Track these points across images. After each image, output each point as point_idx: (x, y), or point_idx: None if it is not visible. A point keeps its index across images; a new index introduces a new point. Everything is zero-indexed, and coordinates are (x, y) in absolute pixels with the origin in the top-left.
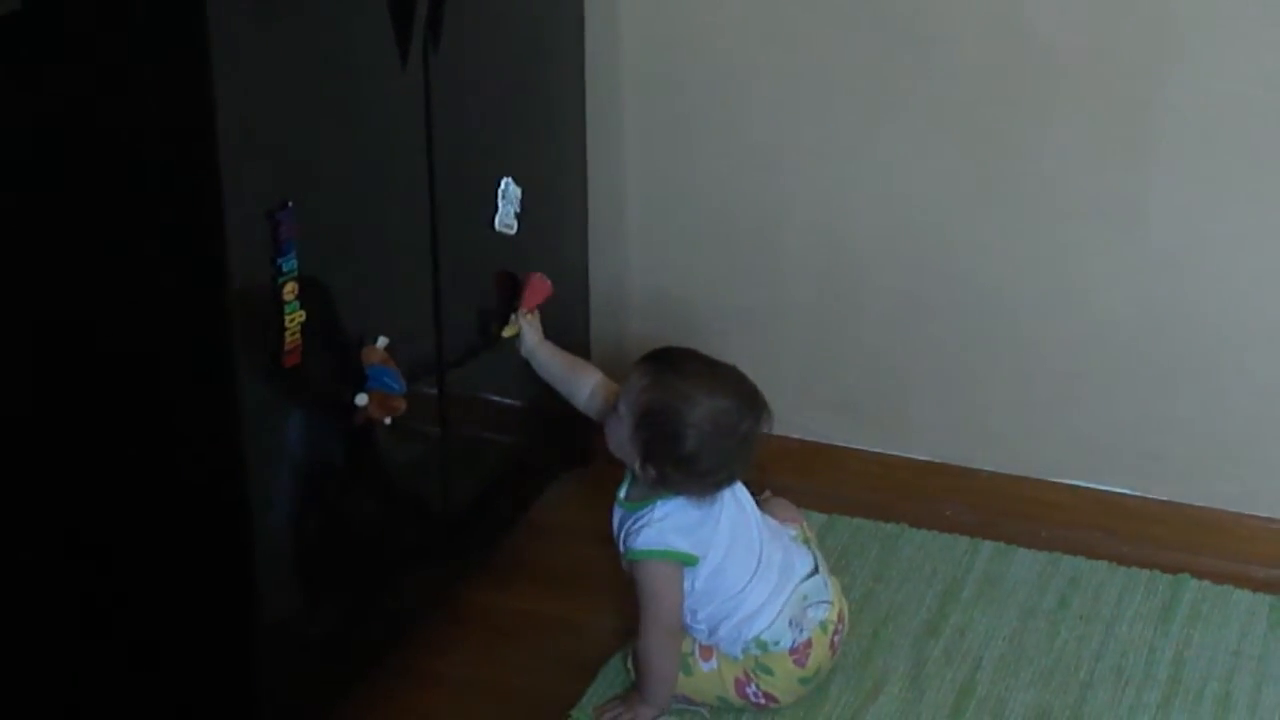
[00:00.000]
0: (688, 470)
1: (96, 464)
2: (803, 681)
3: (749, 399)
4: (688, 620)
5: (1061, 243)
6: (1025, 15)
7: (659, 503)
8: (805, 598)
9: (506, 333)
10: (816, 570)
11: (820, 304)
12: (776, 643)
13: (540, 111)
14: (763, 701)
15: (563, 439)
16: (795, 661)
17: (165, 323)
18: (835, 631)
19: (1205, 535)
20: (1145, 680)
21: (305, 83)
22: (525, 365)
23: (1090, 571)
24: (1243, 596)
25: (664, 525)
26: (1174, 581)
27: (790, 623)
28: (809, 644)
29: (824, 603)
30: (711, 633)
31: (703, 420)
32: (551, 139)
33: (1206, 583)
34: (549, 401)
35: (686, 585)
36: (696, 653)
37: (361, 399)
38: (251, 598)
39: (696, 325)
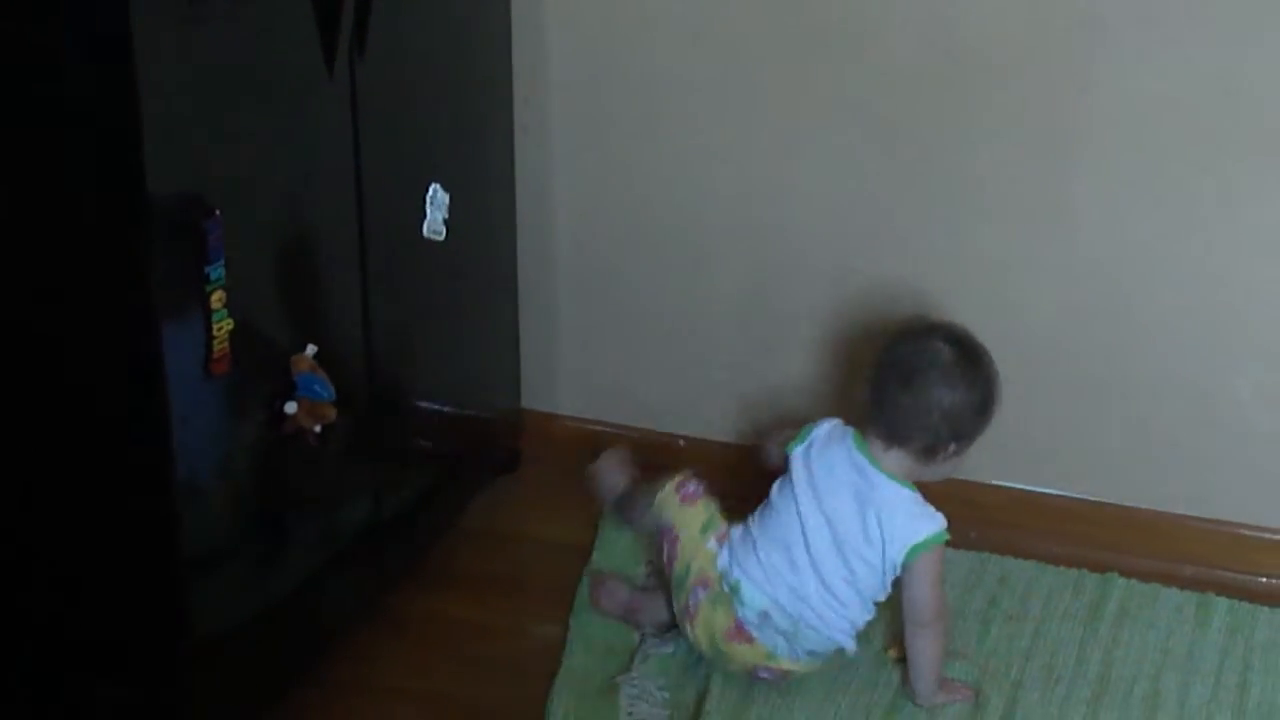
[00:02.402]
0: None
1: (22, 474)
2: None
3: (934, 355)
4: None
5: (990, 244)
6: (953, 17)
7: None
8: (735, 589)
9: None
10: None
11: (748, 305)
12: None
13: (468, 118)
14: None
15: (493, 445)
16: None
17: (93, 331)
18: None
19: (1133, 534)
20: (1075, 678)
21: (231, 91)
22: (458, 372)
23: (1019, 571)
24: (1170, 595)
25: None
26: (1102, 580)
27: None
28: (696, 611)
29: (740, 599)
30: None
31: (886, 349)
32: (479, 145)
33: (1134, 581)
34: (479, 407)
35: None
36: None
37: (290, 407)
38: (180, 606)
39: (627, 326)
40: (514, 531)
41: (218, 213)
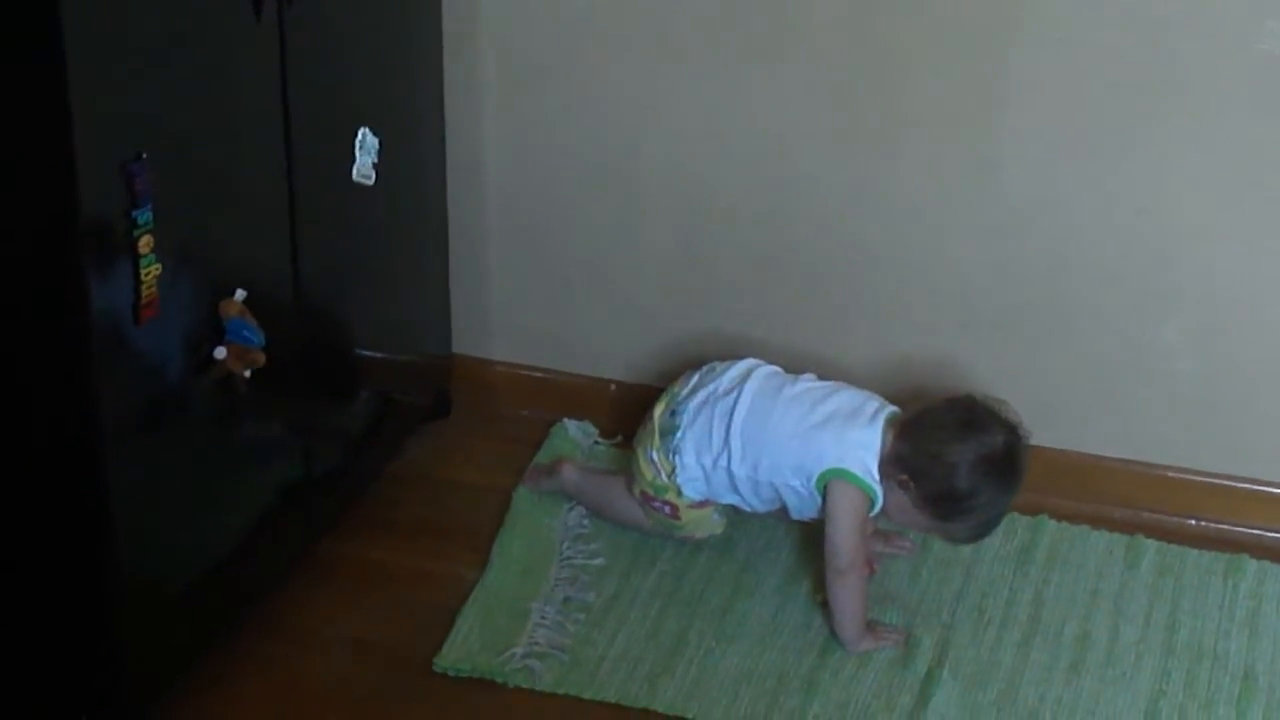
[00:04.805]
0: None
1: None
2: None
3: (989, 436)
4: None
5: (917, 190)
6: None
7: None
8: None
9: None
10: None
11: (679, 251)
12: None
13: (397, 61)
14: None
15: (424, 390)
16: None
17: (17, 277)
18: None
19: (1062, 477)
20: (1006, 620)
21: (158, 34)
22: (388, 317)
23: None
24: (1100, 537)
25: None
26: (1032, 523)
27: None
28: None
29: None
30: None
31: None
32: (409, 88)
33: (1065, 524)
34: (410, 352)
35: None
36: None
37: (220, 352)
38: (111, 555)
39: (558, 271)
40: (445, 476)
41: (144, 156)
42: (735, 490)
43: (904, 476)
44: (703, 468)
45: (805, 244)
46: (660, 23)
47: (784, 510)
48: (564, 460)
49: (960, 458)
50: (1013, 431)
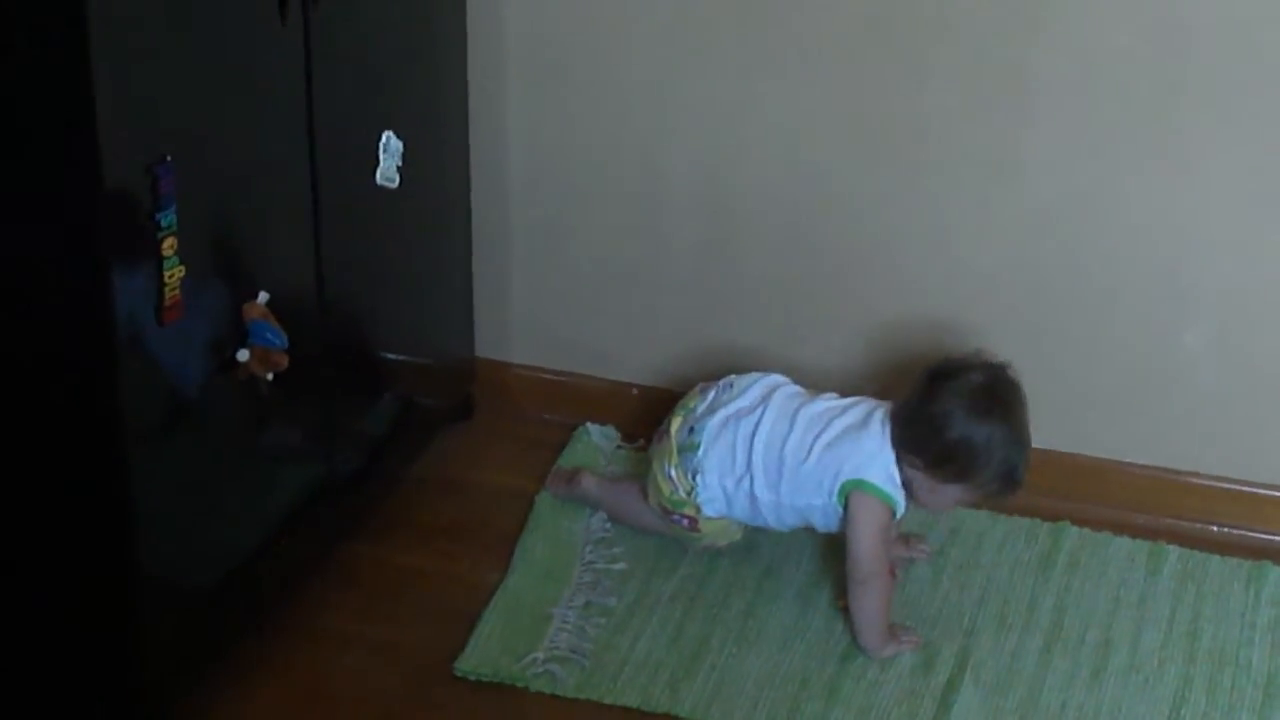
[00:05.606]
0: None
1: None
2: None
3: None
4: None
5: (939, 193)
6: None
7: None
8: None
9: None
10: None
11: (701, 254)
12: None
13: (422, 64)
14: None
15: (446, 393)
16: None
17: (42, 278)
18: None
19: (1084, 483)
20: (1027, 626)
21: (183, 37)
22: (411, 320)
23: (971, 520)
24: (1122, 543)
25: None
26: (1054, 529)
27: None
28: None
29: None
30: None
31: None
32: (433, 92)
33: (1086, 530)
34: (432, 356)
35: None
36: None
37: (243, 354)
38: (133, 556)
39: (580, 275)
40: (467, 479)
41: (169, 159)
42: (757, 512)
43: (906, 453)
44: (724, 489)
45: (829, 247)
46: (684, 24)
47: (808, 526)
48: (582, 470)
49: (943, 407)
50: (990, 367)
